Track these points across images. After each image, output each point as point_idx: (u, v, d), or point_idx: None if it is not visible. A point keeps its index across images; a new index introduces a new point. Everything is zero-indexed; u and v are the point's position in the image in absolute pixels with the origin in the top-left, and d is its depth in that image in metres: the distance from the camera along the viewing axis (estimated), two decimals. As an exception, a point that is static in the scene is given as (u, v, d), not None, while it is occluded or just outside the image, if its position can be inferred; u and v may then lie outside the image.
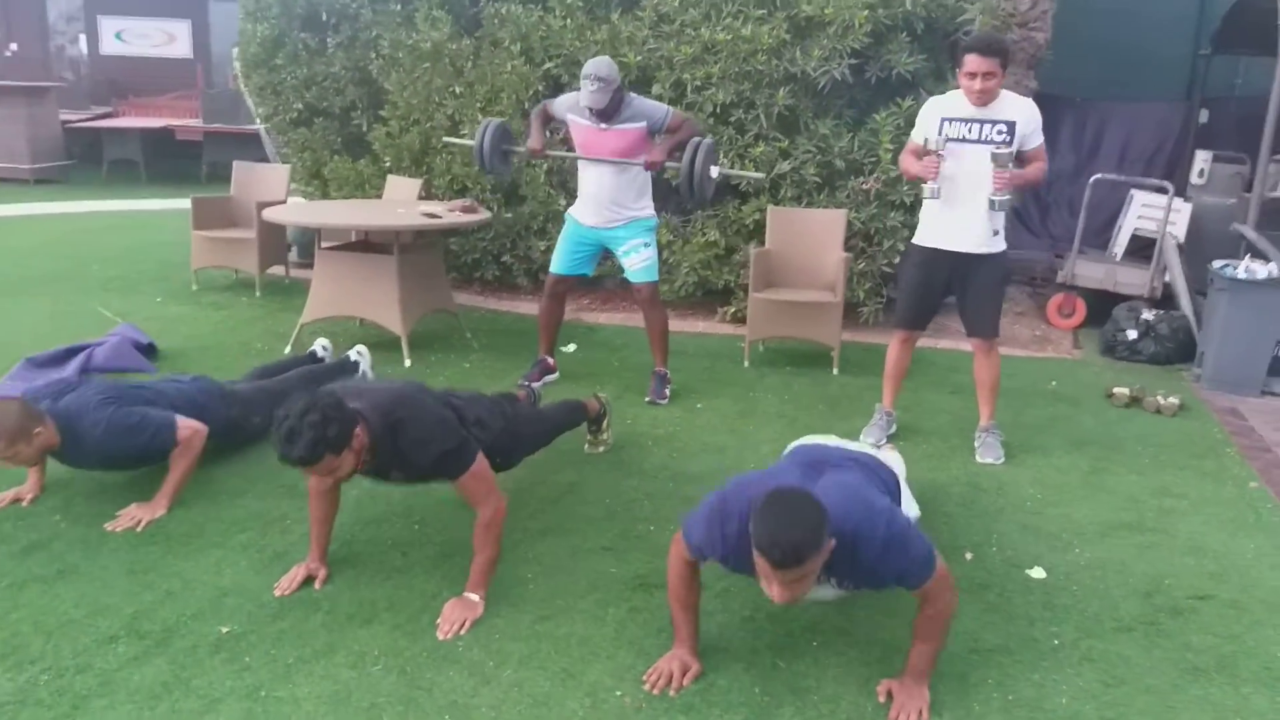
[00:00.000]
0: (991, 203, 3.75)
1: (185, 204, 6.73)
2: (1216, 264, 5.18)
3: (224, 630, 2.63)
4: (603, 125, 4.35)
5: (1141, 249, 6.98)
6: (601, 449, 3.92)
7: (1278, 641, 2.70)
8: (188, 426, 3.31)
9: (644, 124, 4.35)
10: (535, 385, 4.68)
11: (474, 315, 6.07)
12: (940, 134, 3.82)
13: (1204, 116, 7.43)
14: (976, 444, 4.07)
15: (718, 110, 5.94)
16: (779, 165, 5.93)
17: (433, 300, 5.39)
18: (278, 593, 2.82)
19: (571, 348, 5.44)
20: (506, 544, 3.01)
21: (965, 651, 2.59)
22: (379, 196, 6.78)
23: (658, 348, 4.66)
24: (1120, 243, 6.85)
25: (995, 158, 3.69)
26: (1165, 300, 6.12)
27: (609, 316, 6.32)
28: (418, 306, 5.21)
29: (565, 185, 6.41)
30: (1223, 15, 6.80)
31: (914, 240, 4.03)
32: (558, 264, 4.69)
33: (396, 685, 2.42)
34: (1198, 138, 7.38)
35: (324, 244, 5.23)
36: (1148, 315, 5.66)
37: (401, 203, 5.79)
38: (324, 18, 7.19)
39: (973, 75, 3.65)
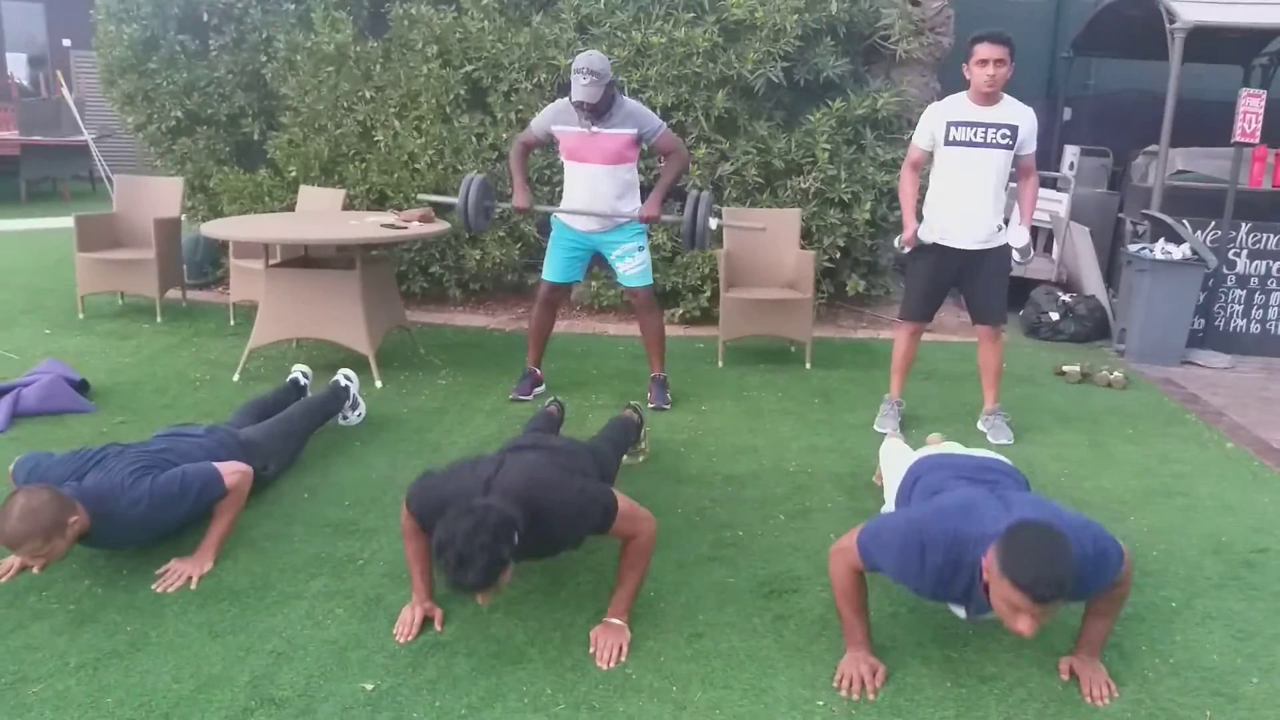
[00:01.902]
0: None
1: (13, 225, 6.02)
2: (1133, 247, 5.66)
3: (368, 688, 2.38)
4: (594, 129, 4.23)
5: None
6: (641, 459, 3.82)
7: (1347, 582, 2.99)
8: (233, 471, 2.96)
9: (634, 130, 4.25)
10: (528, 399, 4.55)
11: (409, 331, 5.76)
12: (946, 138, 3.97)
13: (1067, 114, 8.09)
14: (985, 426, 4.25)
15: (656, 113, 5.91)
16: (720, 167, 5.99)
17: (391, 316, 5.08)
18: (401, 640, 2.58)
19: (538, 359, 5.27)
20: (606, 564, 2.91)
21: (1105, 622, 2.70)
22: (285, 209, 6.34)
23: (655, 353, 4.59)
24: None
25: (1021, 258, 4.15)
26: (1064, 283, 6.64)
27: (561, 325, 6.04)
28: (381, 323, 4.89)
29: (499, 192, 6.20)
30: (1086, 22, 7.41)
31: (922, 237, 4.15)
32: (552, 272, 4.52)
33: (592, 722, 2.27)
34: (1062, 133, 8.02)
35: (271, 261, 4.81)
36: (1065, 298, 6.11)
37: (349, 215, 5.42)
38: (205, 18, 6.63)
39: (984, 62, 3.81)
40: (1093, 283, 6.25)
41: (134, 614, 2.68)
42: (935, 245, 4.08)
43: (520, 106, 6.11)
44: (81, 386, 4.40)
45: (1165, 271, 5.44)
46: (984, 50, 3.81)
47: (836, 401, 4.69)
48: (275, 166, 6.52)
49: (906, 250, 4.15)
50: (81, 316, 5.90)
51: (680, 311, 6.08)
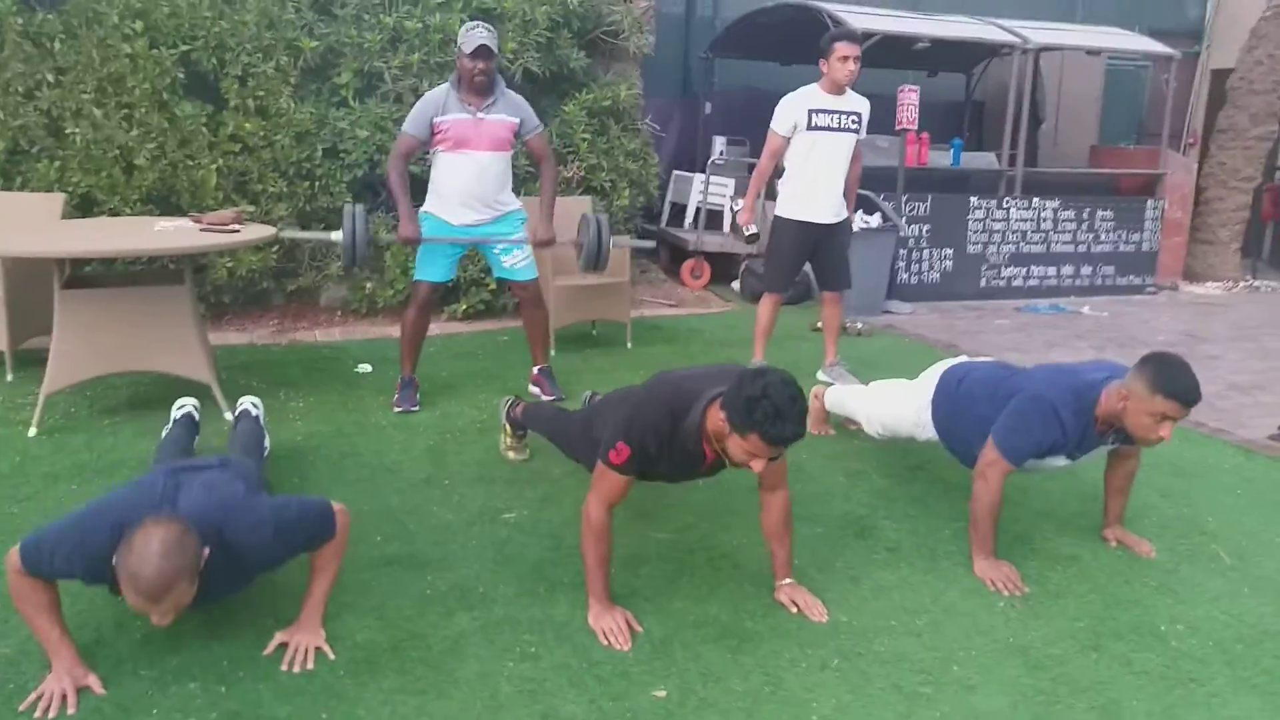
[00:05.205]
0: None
1: None
2: (839, 219, 6.71)
3: (660, 694, 2.28)
4: (479, 115, 4.08)
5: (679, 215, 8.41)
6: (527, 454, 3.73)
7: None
8: (343, 510, 2.51)
9: (517, 120, 4.19)
10: (417, 409, 4.24)
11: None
12: (809, 124, 4.49)
13: (708, 108, 9.08)
14: (830, 376, 4.85)
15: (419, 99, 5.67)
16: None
17: (207, 337, 4.33)
18: (623, 647, 2.46)
19: (367, 368, 4.85)
20: (720, 547, 3.03)
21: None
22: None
23: (540, 345, 4.52)
24: (689, 215, 8.17)
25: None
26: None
27: (335, 332, 5.62)
28: (208, 345, 4.17)
29: (243, 188, 5.48)
30: (726, 27, 8.47)
31: (783, 215, 4.62)
32: (431, 271, 4.22)
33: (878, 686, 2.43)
34: (706, 125, 9.00)
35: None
36: (779, 266, 7.01)
37: (145, 221, 4.49)
38: None
39: (845, 59, 4.38)
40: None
41: (305, 701, 2.21)
42: (800, 222, 4.59)
43: (260, 92, 5.45)
44: None
45: (868, 237, 6.57)
46: (845, 49, 4.38)
47: (691, 372, 5.02)
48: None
49: (750, 231, 4.59)
50: None
51: (464, 307, 5.91)
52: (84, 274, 4.16)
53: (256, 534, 2.26)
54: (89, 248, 3.76)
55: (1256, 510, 3.46)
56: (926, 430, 3.36)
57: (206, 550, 2.12)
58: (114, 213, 5.18)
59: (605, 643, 2.48)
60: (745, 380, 2.31)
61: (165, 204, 5.31)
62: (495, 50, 3.99)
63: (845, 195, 4.73)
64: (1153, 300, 7.81)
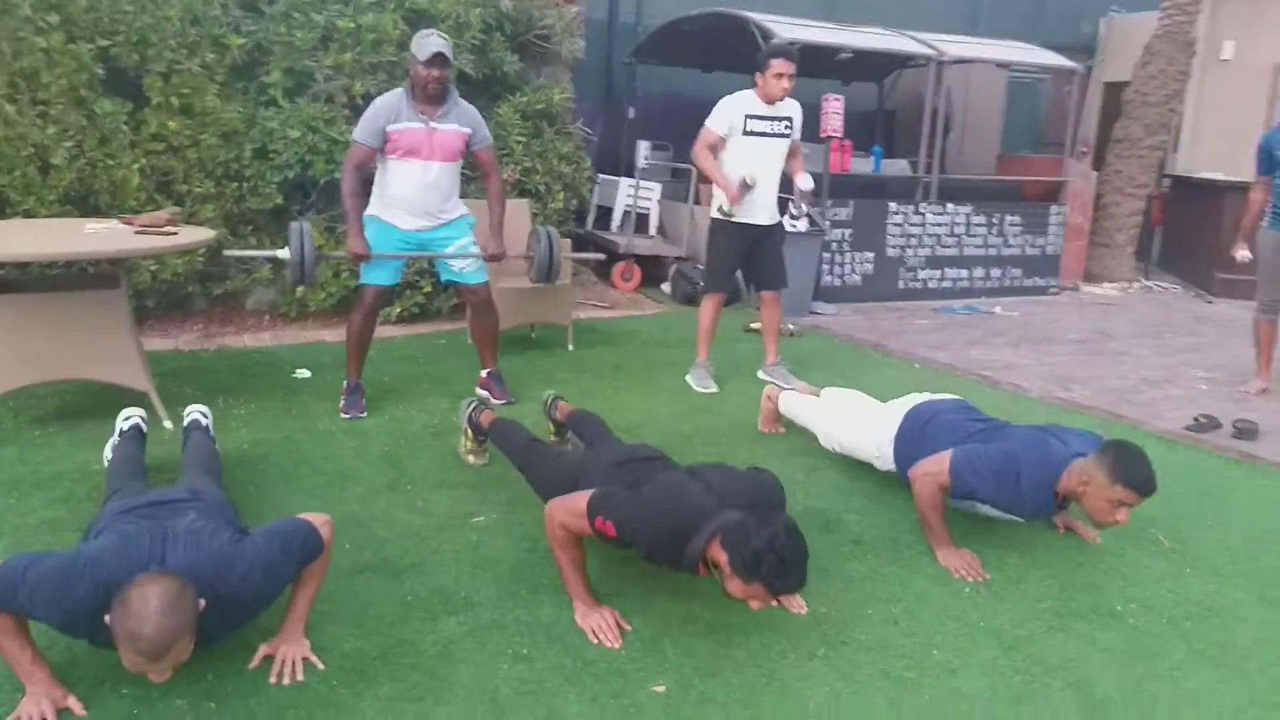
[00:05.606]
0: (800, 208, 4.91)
1: None
2: (767, 223, 6.84)
3: (660, 690, 2.31)
4: (433, 125, 4.04)
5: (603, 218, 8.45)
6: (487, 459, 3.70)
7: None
8: (324, 523, 2.44)
9: (469, 131, 4.16)
10: (364, 415, 4.17)
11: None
12: (744, 129, 4.58)
13: (631, 113, 9.12)
14: (772, 375, 4.96)
15: (352, 100, 5.58)
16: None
17: (141, 343, 4.17)
18: (615, 645, 2.49)
19: (306, 374, 4.73)
20: None
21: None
22: None
23: (491, 349, 4.49)
24: (616, 218, 8.21)
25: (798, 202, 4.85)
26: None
27: (265, 337, 5.46)
28: (143, 352, 4.02)
29: (167, 188, 5.29)
30: (650, 34, 8.54)
31: (720, 218, 4.70)
32: (379, 275, 4.15)
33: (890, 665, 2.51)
34: (630, 130, 9.04)
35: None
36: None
37: (71, 223, 4.29)
38: None
39: (780, 75, 4.49)
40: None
41: (300, 714, 2.17)
42: (735, 224, 4.68)
43: (185, 90, 5.26)
44: None
45: (795, 241, 6.69)
46: (781, 65, 4.48)
47: (635, 373, 5.06)
48: None
49: (729, 207, 4.61)
50: None
51: (398, 310, 5.81)
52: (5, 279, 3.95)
53: (248, 582, 2.19)
54: (24, 250, 3.56)
55: (1184, 496, 3.68)
56: (885, 463, 3.47)
57: (202, 603, 2.04)
58: (29, 214, 4.94)
59: (595, 641, 2.50)
60: (751, 527, 2.27)
61: (84, 204, 5.10)
62: (451, 59, 3.95)
63: (793, 173, 4.81)
64: (1056, 300, 8.19)
